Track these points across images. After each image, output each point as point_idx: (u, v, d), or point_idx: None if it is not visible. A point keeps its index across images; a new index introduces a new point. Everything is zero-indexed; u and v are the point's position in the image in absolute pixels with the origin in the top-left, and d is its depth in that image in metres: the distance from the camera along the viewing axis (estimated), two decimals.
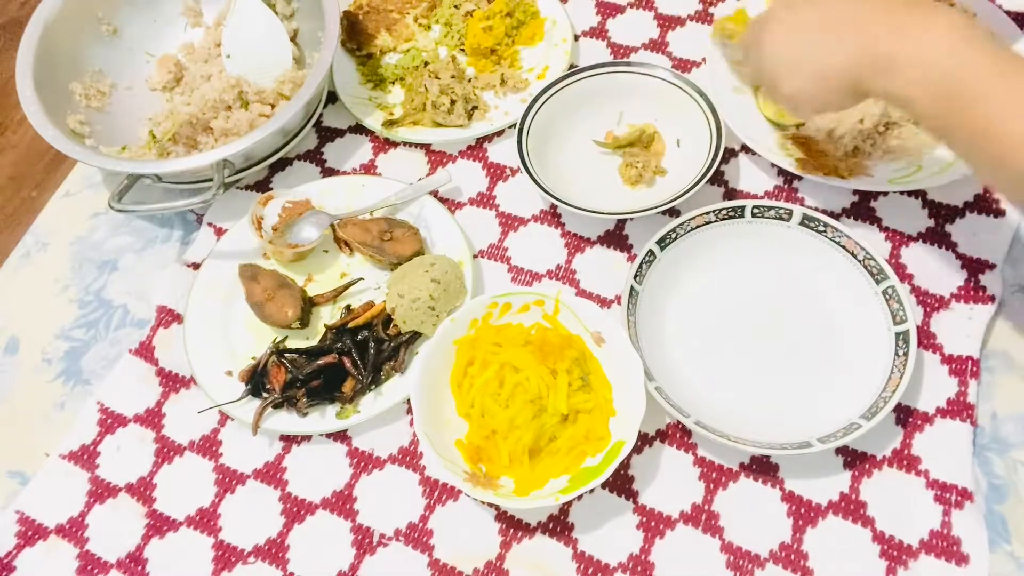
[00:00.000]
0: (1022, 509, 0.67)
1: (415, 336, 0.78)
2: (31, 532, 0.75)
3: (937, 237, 0.80)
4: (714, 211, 0.78)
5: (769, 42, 0.67)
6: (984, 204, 0.80)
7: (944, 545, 0.66)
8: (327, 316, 0.82)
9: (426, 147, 0.93)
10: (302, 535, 0.73)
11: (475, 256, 0.84)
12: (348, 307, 0.81)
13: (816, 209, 0.79)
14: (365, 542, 0.72)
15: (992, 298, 0.75)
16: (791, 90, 0.67)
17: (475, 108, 0.93)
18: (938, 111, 0.59)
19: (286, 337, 0.80)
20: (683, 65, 0.94)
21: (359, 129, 0.95)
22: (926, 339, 0.74)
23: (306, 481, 0.75)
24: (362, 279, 0.83)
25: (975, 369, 0.72)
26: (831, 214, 0.81)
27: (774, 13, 0.68)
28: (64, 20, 0.92)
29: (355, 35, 1.00)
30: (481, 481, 0.69)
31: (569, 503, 0.71)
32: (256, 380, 0.76)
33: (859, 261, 0.75)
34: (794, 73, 0.66)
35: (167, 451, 0.78)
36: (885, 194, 0.82)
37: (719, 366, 0.75)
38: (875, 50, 0.60)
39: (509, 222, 0.87)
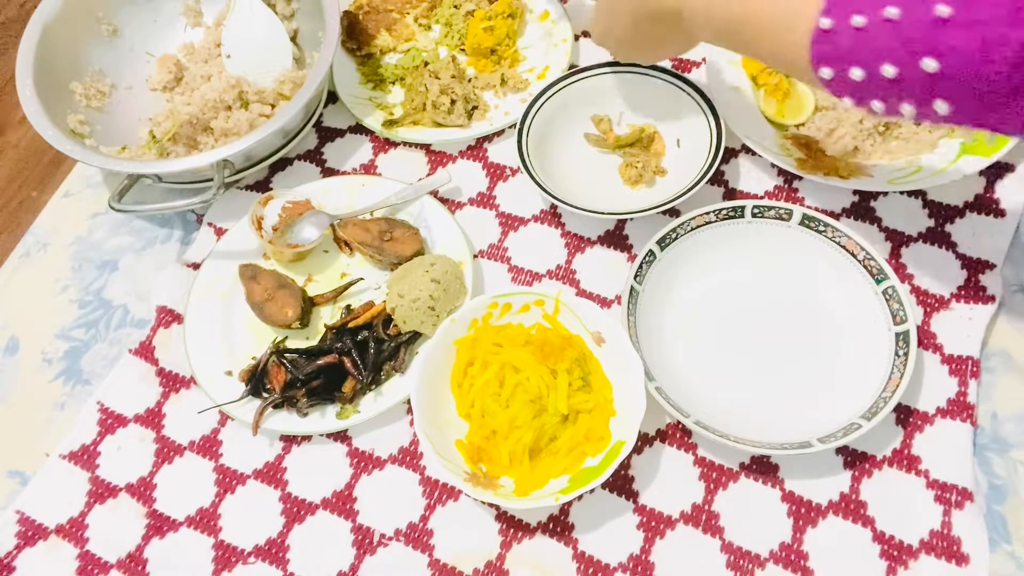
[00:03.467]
0: (1022, 509, 0.67)
1: (415, 336, 0.78)
2: (31, 532, 0.75)
3: (937, 237, 0.80)
4: (714, 211, 0.78)
5: None
6: (984, 204, 0.80)
7: (944, 545, 0.66)
8: (327, 316, 0.82)
9: (426, 147, 0.93)
10: (302, 535, 0.73)
11: (475, 256, 0.84)
12: (348, 307, 0.81)
13: (816, 209, 0.79)
14: (365, 542, 0.72)
15: (992, 298, 0.75)
16: (600, 31, 0.80)
17: (475, 108, 0.93)
18: (709, 20, 0.65)
19: (286, 337, 0.80)
20: (683, 65, 0.94)
21: (359, 129, 0.95)
22: (926, 339, 0.74)
23: (306, 481, 0.75)
24: (362, 279, 0.83)
25: (975, 369, 0.72)
26: (831, 214, 0.81)
27: None
28: (64, 20, 0.92)
29: (355, 35, 1.00)
30: (481, 481, 0.69)
31: (569, 503, 0.71)
32: (256, 380, 0.76)
33: (859, 261, 0.75)
34: (599, 16, 0.79)
35: (167, 451, 0.78)
36: (885, 194, 0.82)
37: (719, 366, 0.75)
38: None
39: (509, 222, 0.87)
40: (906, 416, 0.71)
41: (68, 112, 0.90)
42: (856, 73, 0.53)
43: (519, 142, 0.85)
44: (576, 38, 0.98)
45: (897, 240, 0.80)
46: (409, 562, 0.70)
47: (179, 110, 0.92)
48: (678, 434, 0.73)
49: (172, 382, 0.81)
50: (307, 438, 0.77)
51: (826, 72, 0.55)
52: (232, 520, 0.74)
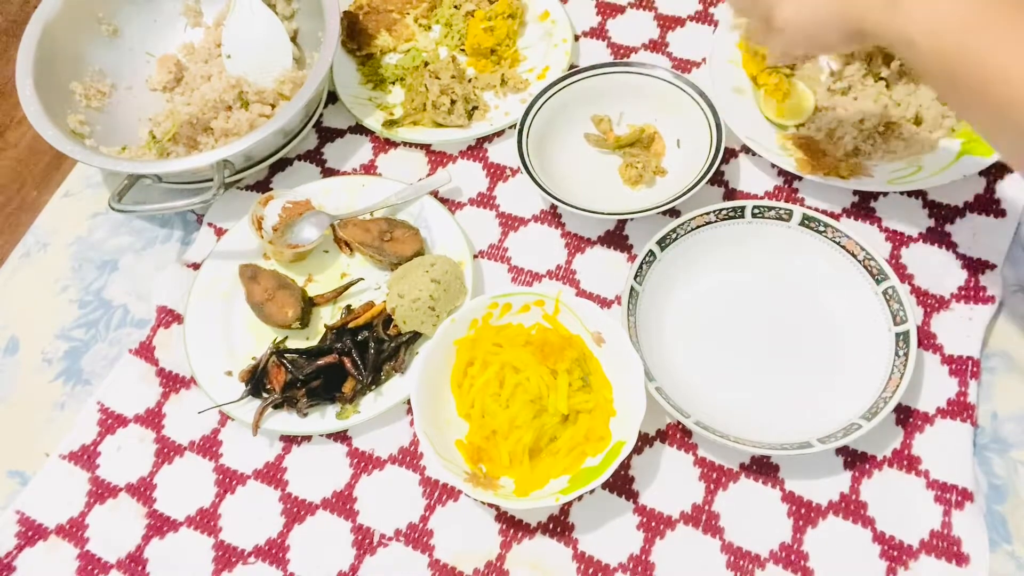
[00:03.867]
0: (1022, 509, 0.67)
1: (415, 336, 0.78)
2: (31, 532, 0.75)
3: (937, 237, 0.80)
4: (714, 211, 0.78)
5: None
6: (984, 204, 0.80)
7: (944, 545, 0.66)
8: (327, 316, 0.82)
9: (426, 147, 0.93)
10: (302, 535, 0.73)
11: (475, 256, 0.84)
12: (348, 307, 0.81)
13: (816, 209, 0.79)
14: (365, 542, 0.72)
15: (992, 298, 0.75)
16: (787, 15, 0.62)
17: (475, 108, 0.93)
18: (938, 57, 0.55)
19: (286, 337, 0.80)
20: (683, 65, 0.94)
21: (359, 129, 0.95)
22: (926, 339, 0.74)
23: (306, 481, 0.75)
24: (362, 279, 0.83)
25: (975, 369, 0.72)
26: (831, 214, 0.81)
27: None
28: (64, 20, 0.92)
29: (355, 35, 1.00)
30: (481, 481, 0.69)
31: (569, 503, 0.71)
32: (256, 380, 0.76)
33: (859, 261, 0.75)
34: (792, 38, 0.63)
35: (167, 451, 0.78)
36: (885, 194, 0.82)
37: (719, 366, 0.75)
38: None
39: (509, 222, 0.87)
40: (906, 416, 0.71)
41: (68, 112, 0.90)
42: None
43: (519, 142, 0.85)
44: (576, 38, 0.98)
45: (897, 240, 0.80)
46: (409, 562, 0.70)
47: (179, 110, 0.92)
48: (678, 434, 0.73)
49: (172, 382, 0.81)
50: (307, 438, 0.77)
51: None
52: (232, 520, 0.74)
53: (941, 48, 0.54)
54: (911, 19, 0.55)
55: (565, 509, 0.71)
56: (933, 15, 0.55)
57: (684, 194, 0.79)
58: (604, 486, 0.71)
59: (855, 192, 0.82)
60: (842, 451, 0.70)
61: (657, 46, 0.96)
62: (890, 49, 0.60)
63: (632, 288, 0.75)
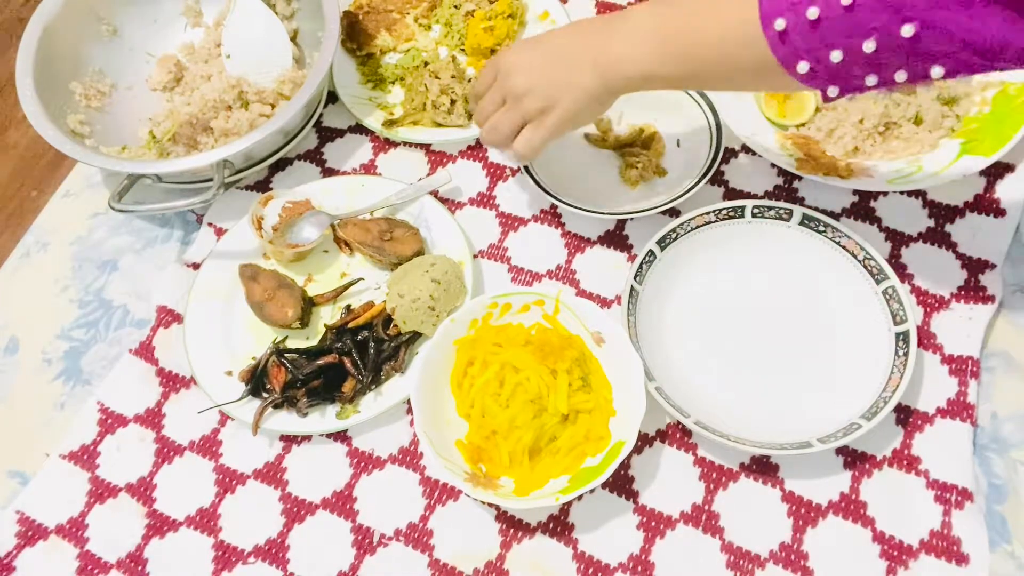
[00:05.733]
0: (1022, 509, 0.67)
1: (415, 336, 0.78)
2: (31, 532, 0.75)
3: (937, 237, 0.80)
4: (714, 211, 0.78)
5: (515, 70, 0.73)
6: (984, 204, 0.80)
7: (944, 545, 0.66)
8: (327, 316, 0.82)
9: (426, 147, 0.93)
10: (302, 535, 0.73)
11: (475, 256, 0.84)
12: (348, 307, 0.81)
13: (816, 209, 0.79)
14: (365, 542, 0.72)
15: (992, 298, 0.75)
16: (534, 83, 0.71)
17: None
18: (669, 60, 0.64)
19: (286, 337, 0.80)
20: None
21: (359, 129, 0.95)
22: (926, 339, 0.74)
23: (306, 481, 0.75)
24: (362, 279, 0.83)
25: (975, 369, 0.72)
26: (831, 214, 0.81)
27: (501, 60, 0.74)
28: (64, 20, 0.92)
29: (355, 35, 1.00)
30: (481, 481, 0.69)
31: (569, 503, 0.71)
32: (256, 380, 0.76)
33: (859, 261, 0.75)
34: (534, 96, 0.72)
35: (167, 451, 0.78)
36: (885, 194, 0.82)
37: (719, 366, 0.75)
38: (605, 57, 0.67)
39: (509, 222, 0.87)
40: (906, 416, 0.71)
41: (68, 112, 0.90)
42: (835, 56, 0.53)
43: None
44: None
45: (897, 240, 0.80)
46: (409, 562, 0.70)
47: (179, 110, 0.92)
48: (678, 434, 0.73)
49: (172, 382, 0.81)
50: (307, 438, 0.77)
51: (803, 66, 0.55)
52: (232, 520, 0.74)
53: (666, 56, 0.64)
54: (630, 59, 0.66)
55: (565, 509, 0.71)
56: (638, 38, 0.66)
57: (684, 194, 0.79)
58: (604, 486, 0.71)
59: (855, 192, 0.82)
60: (842, 451, 0.71)
61: None
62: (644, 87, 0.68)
63: (632, 288, 0.75)
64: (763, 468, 0.71)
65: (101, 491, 0.76)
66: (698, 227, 0.78)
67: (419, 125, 0.93)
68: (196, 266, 0.87)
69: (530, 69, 0.72)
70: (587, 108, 0.71)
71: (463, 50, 0.99)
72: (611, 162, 0.88)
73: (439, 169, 0.91)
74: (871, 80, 0.55)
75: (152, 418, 0.79)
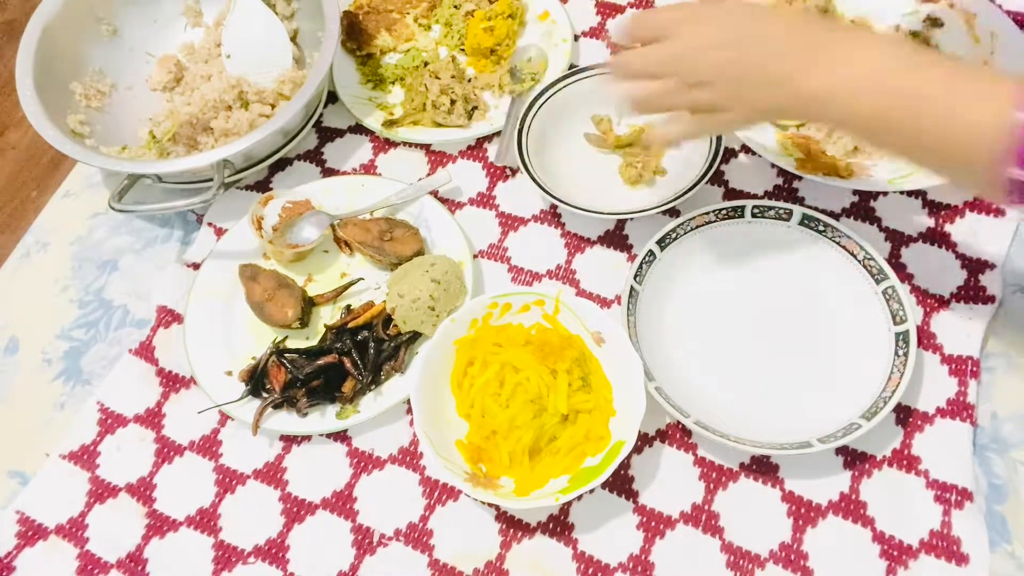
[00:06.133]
0: (1022, 509, 0.67)
1: (415, 336, 0.78)
2: (31, 532, 0.75)
3: (937, 237, 0.80)
4: (714, 211, 0.78)
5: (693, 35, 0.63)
6: (984, 204, 0.80)
7: (944, 545, 0.66)
8: (327, 316, 0.82)
9: (426, 147, 0.93)
10: (302, 535, 0.73)
11: (475, 256, 0.84)
12: (348, 307, 0.81)
13: (816, 209, 0.79)
14: (365, 542, 0.72)
15: (992, 298, 0.75)
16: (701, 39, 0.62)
17: (475, 108, 0.93)
18: (870, 106, 0.57)
19: (286, 337, 0.80)
20: None
21: (359, 129, 0.95)
22: (926, 339, 0.74)
23: (306, 481, 0.75)
24: (362, 279, 0.83)
25: (975, 369, 0.72)
26: (831, 214, 0.81)
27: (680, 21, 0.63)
28: (64, 20, 0.92)
29: (355, 35, 1.00)
30: (481, 481, 0.69)
31: (569, 503, 0.71)
32: (256, 380, 0.76)
33: (859, 261, 0.75)
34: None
35: (167, 451, 0.78)
36: (885, 194, 0.82)
37: (719, 366, 0.75)
38: (810, 90, 0.59)
39: (509, 222, 0.87)
40: (906, 416, 0.71)
41: (68, 112, 0.90)
42: None
43: (519, 142, 0.85)
44: (576, 38, 0.98)
45: (897, 240, 0.80)
46: (409, 562, 0.70)
47: (179, 110, 0.92)
48: (678, 434, 0.73)
49: (172, 382, 0.81)
50: (307, 438, 0.77)
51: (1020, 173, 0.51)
52: (232, 520, 0.74)
53: (872, 98, 0.57)
54: (834, 75, 0.58)
55: (565, 509, 0.71)
56: (859, 71, 0.57)
57: (684, 194, 0.79)
58: (604, 486, 0.71)
59: (855, 192, 0.82)
60: (842, 451, 0.71)
61: None
62: (792, 108, 0.62)
63: (632, 288, 0.75)
64: (763, 468, 0.71)
65: (101, 491, 0.76)
66: (698, 227, 0.78)
67: (419, 125, 0.93)
68: (196, 266, 0.87)
69: (716, 61, 0.61)
70: (755, 124, 0.65)
71: (463, 50, 0.99)
72: (611, 162, 0.88)
73: (439, 169, 0.91)
74: None
75: (152, 418, 0.79)
